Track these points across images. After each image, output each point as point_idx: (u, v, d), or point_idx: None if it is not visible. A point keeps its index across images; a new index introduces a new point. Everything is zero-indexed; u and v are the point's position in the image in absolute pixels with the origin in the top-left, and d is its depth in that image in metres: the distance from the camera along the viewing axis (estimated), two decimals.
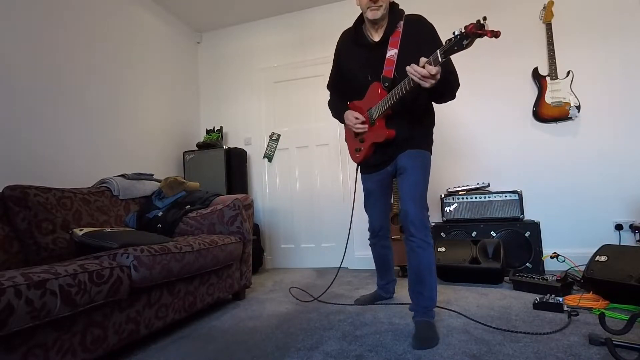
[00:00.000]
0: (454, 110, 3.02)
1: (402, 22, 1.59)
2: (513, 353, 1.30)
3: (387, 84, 1.57)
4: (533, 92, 2.84)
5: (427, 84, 1.31)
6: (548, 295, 1.81)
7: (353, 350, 1.41)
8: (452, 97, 1.57)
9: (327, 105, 2.00)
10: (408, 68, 1.33)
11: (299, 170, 3.52)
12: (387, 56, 1.58)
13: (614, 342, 1.22)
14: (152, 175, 2.65)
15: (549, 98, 2.75)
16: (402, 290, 2.25)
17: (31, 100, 2.17)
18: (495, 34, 1.09)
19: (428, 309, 1.54)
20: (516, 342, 1.39)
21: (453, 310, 1.79)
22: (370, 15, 1.56)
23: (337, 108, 1.87)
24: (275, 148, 3.58)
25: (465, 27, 1.11)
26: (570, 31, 2.80)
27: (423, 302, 1.55)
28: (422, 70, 1.28)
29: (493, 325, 1.57)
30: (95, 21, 2.66)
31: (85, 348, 1.26)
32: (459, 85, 1.56)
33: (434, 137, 1.75)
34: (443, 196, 2.80)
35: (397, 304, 1.99)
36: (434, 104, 1.70)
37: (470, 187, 2.80)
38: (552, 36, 2.78)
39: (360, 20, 1.70)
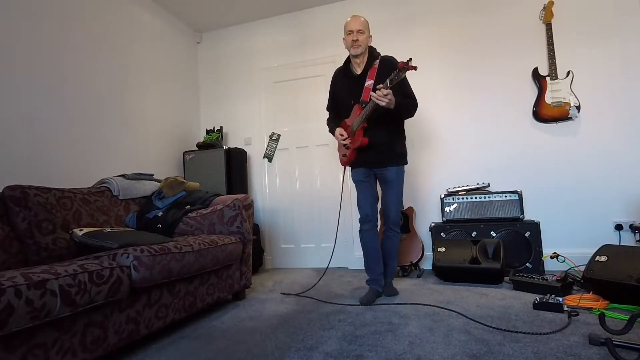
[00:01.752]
0: (454, 110, 3.03)
1: (377, 61, 2.10)
2: (513, 353, 1.30)
3: (364, 105, 2.03)
4: (533, 92, 2.84)
5: (382, 103, 1.84)
6: (548, 295, 1.81)
7: (353, 350, 1.41)
8: (411, 115, 2.13)
9: (326, 110, 2.49)
10: (371, 93, 1.87)
11: (299, 170, 3.52)
12: (365, 85, 2.09)
13: (614, 342, 1.22)
14: (152, 175, 2.64)
15: (549, 98, 2.75)
16: (400, 291, 2.25)
17: (31, 101, 2.17)
18: (414, 68, 1.68)
19: (392, 274, 2.26)
20: (516, 342, 1.39)
21: (453, 310, 1.80)
22: (352, 51, 2.12)
23: (332, 125, 2.35)
24: (275, 148, 3.58)
25: (398, 64, 1.70)
26: (570, 31, 2.80)
27: (391, 271, 2.24)
28: (378, 92, 1.83)
29: (493, 325, 1.57)
30: (95, 21, 2.66)
31: (85, 348, 1.26)
32: (416, 106, 2.10)
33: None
34: (443, 196, 2.80)
35: (398, 303, 1.99)
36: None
37: (470, 187, 2.80)
38: (552, 36, 2.78)
39: (349, 60, 2.22)
